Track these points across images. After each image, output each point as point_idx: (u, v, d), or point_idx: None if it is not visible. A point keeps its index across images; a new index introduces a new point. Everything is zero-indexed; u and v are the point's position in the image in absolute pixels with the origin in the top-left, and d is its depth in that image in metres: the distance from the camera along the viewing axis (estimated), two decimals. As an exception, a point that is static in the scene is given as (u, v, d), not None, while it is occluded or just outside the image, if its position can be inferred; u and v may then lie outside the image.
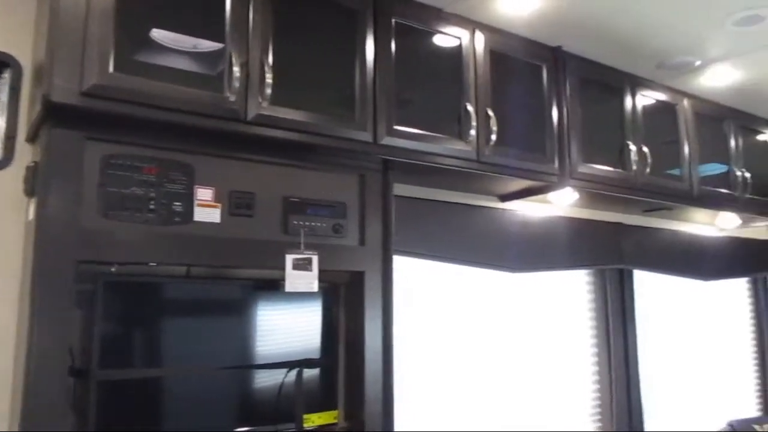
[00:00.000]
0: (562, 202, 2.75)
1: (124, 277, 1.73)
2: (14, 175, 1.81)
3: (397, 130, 2.07)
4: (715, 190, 3.11)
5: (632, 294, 3.16)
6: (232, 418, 1.88)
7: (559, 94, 2.53)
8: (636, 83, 2.84)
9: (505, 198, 2.69)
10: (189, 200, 1.75)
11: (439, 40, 2.25)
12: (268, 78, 1.80)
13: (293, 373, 1.99)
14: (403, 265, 2.42)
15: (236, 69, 1.76)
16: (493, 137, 2.25)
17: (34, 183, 1.68)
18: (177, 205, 1.73)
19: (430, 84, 2.22)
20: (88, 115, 1.59)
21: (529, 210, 2.79)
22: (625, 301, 3.10)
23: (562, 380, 2.89)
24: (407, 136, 2.08)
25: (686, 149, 2.99)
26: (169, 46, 1.72)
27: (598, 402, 3.01)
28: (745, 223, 3.51)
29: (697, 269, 3.50)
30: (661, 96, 2.94)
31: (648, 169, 2.76)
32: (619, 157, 2.70)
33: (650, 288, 3.35)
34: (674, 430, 3.32)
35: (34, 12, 1.89)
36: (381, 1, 2.10)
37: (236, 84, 1.75)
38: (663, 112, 2.95)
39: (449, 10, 2.26)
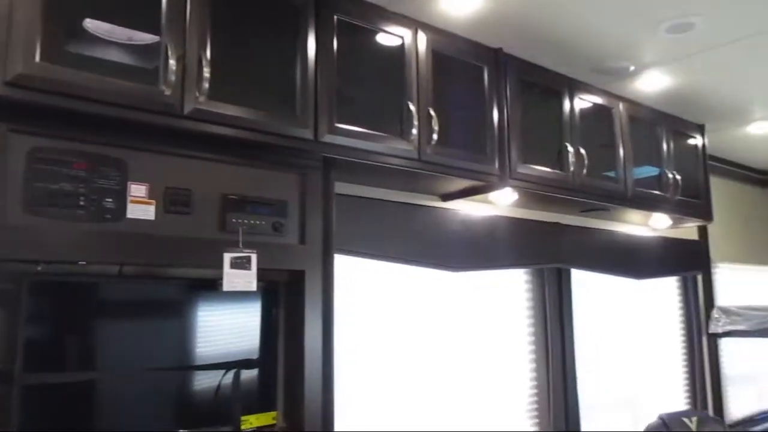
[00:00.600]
0: (502, 202, 2.79)
1: (51, 276, 1.66)
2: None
3: (338, 128, 2.05)
4: (648, 192, 3.22)
5: (570, 293, 3.23)
6: (169, 421, 1.82)
7: (500, 96, 2.56)
8: (574, 86, 2.91)
9: (446, 197, 2.71)
10: (121, 197, 1.69)
11: (381, 38, 2.25)
12: (206, 72, 1.76)
13: (232, 374, 1.95)
14: (345, 264, 2.41)
15: (172, 62, 1.71)
16: (435, 137, 2.27)
17: (-47, 177, 1.59)
18: (108, 202, 1.66)
19: (373, 82, 2.22)
20: (11, 106, 1.51)
21: (471, 209, 2.82)
22: (562, 300, 3.17)
23: (500, 379, 2.93)
24: (349, 134, 2.07)
25: (621, 152, 3.08)
26: (104, 37, 1.66)
27: (536, 400, 3.07)
28: (676, 223, 3.65)
29: (631, 268, 3.62)
30: (598, 100, 3.02)
31: (585, 171, 2.83)
32: (558, 159, 2.76)
33: (586, 286, 3.43)
34: (609, 431, 3.42)
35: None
36: (323, -3, 2.09)
37: (172, 77, 1.70)
38: (600, 115, 3.03)
39: (392, 8, 2.26)
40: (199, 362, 1.91)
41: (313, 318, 2.04)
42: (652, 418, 3.57)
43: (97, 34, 1.65)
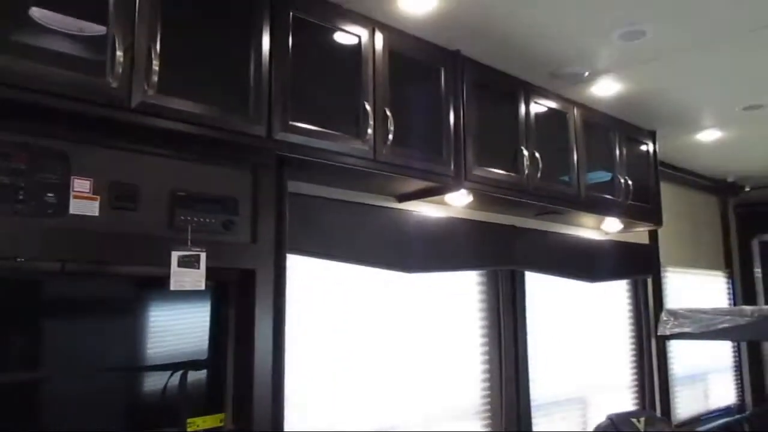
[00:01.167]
0: (457, 204, 2.80)
1: (-12, 273, 1.60)
2: None
3: (292, 125, 2.03)
4: (601, 196, 3.28)
5: (523, 295, 3.26)
6: (113, 423, 1.77)
7: (457, 98, 2.57)
8: (530, 90, 2.94)
9: (402, 198, 2.71)
10: (64, 191, 1.63)
11: (338, 37, 2.23)
12: (155, 65, 1.72)
13: (179, 375, 1.90)
14: (298, 264, 2.38)
15: (120, 54, 1.66)
16: (390, 137, 2.26)
17: None
18: (50, 197, 1.61)
19: (328, 81, 2.20)
20: (-54, 94, 1.45)
21: (426, 211, 2.82)
22: (516, 302, 3.20)
23: (452, 379, 2.94)
24: (303, 132, 2.05)
25: (575, 156, 3.13)
26: (50, 26, 1.60)
27: (488, 400, 3.09)
28: (627, 227, 3.73)
29: (584, 271, 3.67)
30: (554, 104, 3.06)
31: (539, 174, 2.86)
32: (513, 162, 2.78)
33: (539, 287, 3.47)
34: (560, 431, 3.47)
35: None
36: (279, -8, 2.06)
37: (119, 69, 1.65)
38: (555, 119, 3.07)
39: (349, 7, 2.24)
40: (146, 363, 1.86)
41: (263, 318, 2.01)
42: (601, 418, 3.64)
43: (44, 24, 1.60)
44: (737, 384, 5.19)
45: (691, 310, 3.96)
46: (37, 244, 1.58)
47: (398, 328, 2.75)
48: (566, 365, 3.59)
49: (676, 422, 4.28)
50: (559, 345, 3.56)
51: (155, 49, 1.73)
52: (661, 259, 4.42)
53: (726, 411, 4.89)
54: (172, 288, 1.78)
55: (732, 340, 4.96)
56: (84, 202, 1.66)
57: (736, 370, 5.21)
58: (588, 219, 3.51)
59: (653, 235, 4.38)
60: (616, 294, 4.09)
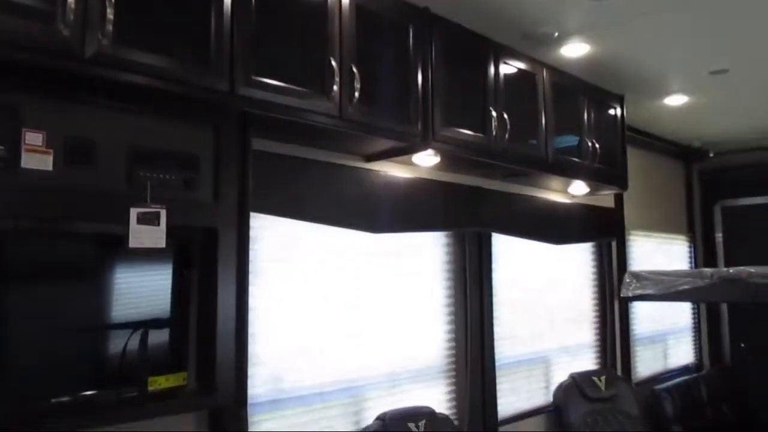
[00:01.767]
0: (425, 164, 2.78)
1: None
2: None
3: (256, 80, 1.97)
4: (568, 159, 3.29)
5: (490, 256, 3.28)
6: (73, 382, 1.74)
7: (425, 56, 2.53)
8: (500, 51, 2.90)
9: (370, 158, 2.68)
10: (14, 145, 1.57)
11: (303, -11, 2.16)
12: (110, 13, 1.64)
13: (140, 334, 1.88)
14: (267, 224, 2.35)
15: (71, 0, 1.58)
16: (357, 95, 2.21)
17: None
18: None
19: (293, 35, 2.12)
20: None
21: (394, 171, 2.80)
22: (482, 263, 3.21)
23: (418, 339, 2.97)
24: (267, 87, 1.99)
25: (543, 119, 3.12)
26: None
27: (453, 360, 3.13)
28: (593, 191, 3.76)
29: (550, 234, 3.71)
30: (523, 65, 3.03)
31: (507, 136, 2.85)
32: (481, 123, 2.76)
33: (506, 248, 3.50)
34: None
35: None
36: (241, -58, 1.98)
37: (71, 17, 1.57)
38: (524, 81, 3.05)
39: (315, -41, 2.18)
40: (106, 322, 1.82)
41: (226, 278, 1.99)
42: (564, 377, 3.73)
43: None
44: (695, 344, 5.35)
45: (653, 273, 4.05)
46: (-13, 200, 1.52)
47: (365, 288, 2.75)
48: (531, 325, 3.65)
49: (635, 380, 4.40)
50: (523, 305, 3.61)
51: (110, -4, 1.65)
52: (626, 223, 4.49)
53: (684, 370, 5.05)
54: (131, 245, 1.74)
55: (692, 301, 5.10)
56: (36, 156, 1.60)
57: (694, 332, 5.37)
58: (555, 182, 3.53)
59: (618, 199, 4.43)
60: (580, 257, 4.14)
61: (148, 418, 1.91)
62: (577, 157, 3.34)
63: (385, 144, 2.49)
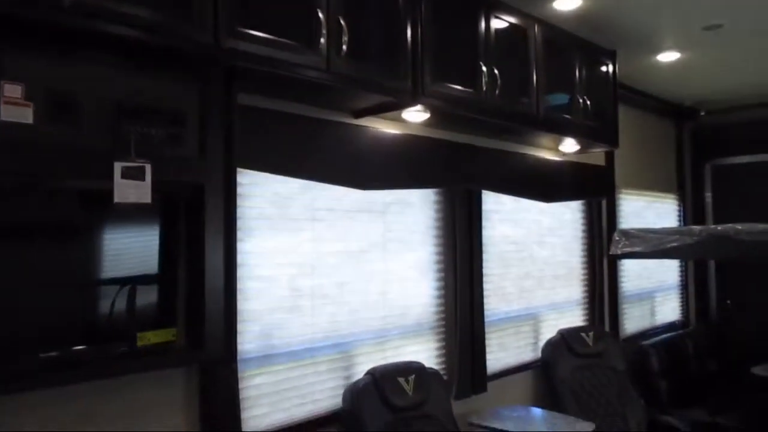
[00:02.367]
0: (414, 121, 2.75)
1: None
2: None
3: (241, 32, 1.92)
4: (559, 116, 3.26)
5: (480, 214, 3.28)
6: (63, 338, 1.73)
7: (415, 9, 2.47)
8: (491, 5, 2.85)
9: (358, 114, 2.64)
10: (-7, 97, 1.53)
11: (289, -63, 2.10)
12: (88, -40, 1.59)
13: (128, 290, 1.87)
14: (253, 180, 2.33)
15: (47, -55, 1.53)
16: (345, 48, 2.17)
17: None
18: (-23, 102, 1.51)
19: (279, -15, 2.08)
20: None
21: (383, 128, 2.77)
22: (472, 220, 3.21)
23: (408, 296, 2.98)
24: (252, 39, 1.94)
25: (534, 74, 3.08)
26: None
27: (443, 317, 3.15)
28: (584, 148, 3.74)
29: (541, 191, 3.70)
30: (515, 20, 2.98)
31: (498, 92, 2.82)
32: (471, 78, 2.73)
33: (493, 205, 3.50)
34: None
35: None
36: None
37: (47, -37, 1.52)
38: (515, 36, 3.00)
39: None
40: (93, 278, 1.82)
41: (214, 234, 1.98)
42: (552, 333, 3.77)
43: None
44: (682, 302, 5.42)
45: (642, 230, 4.05)
46: (-35, 154, 1.50)
47: (354, 245, 2.74)
48: (520, 282, 3.67)
49: (623, 337, 4.47)
50: (513, 263, 3.63)
51: (87, -58, 1.60)
52: (616, 182, 4.49)
53: (670, 326, 5.12)
54: (116, 200, 1.72)
55: (680, 258, 5.14)
56: (15, 108, 1.56)
57: (681, 289, 5.43)
58: (546, 139, 3.51)
59: (609, 157, 4.42)
60: (570, 214, 4.15)
61: (138, 372, 1.93)
62: (568, 114, 3.32)
63: (373, 99, 2.45)
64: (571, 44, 3.37)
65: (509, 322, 3.57)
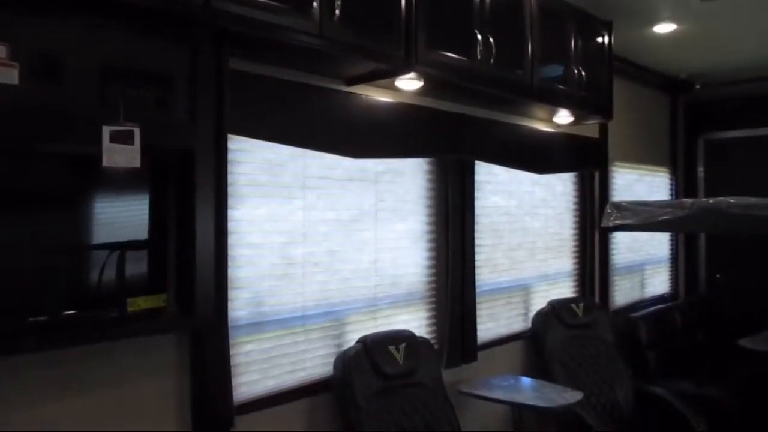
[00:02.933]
0: (408, 89, 2.73)
1: None
2: None
3: (231, -6, 1.89)
4: (554, 86, 3.24)
5: (473, 184, 3.27)
6: (53, 303, 1.72)
7: (409, -26, 2.43)
8: (487, -29, 2.80)
9: (351, 81, 2.61)
10: (-24, 56, 1.50)
11: None
12: None
13: (117, 255, 1.86)
14: (244, 146, 2.31)
15: None
16: (337, 12, 2.14)
17: None
18: (-39, 61, 1.48)
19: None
20: None
21: (376, 95, 2.74)
22: (465, 191, 3.20)
23: (400, 266, 2.99)
24: (244, 1, 1.90)
25: (530, 44, 3.05)
26: None
27: (434, 287, 3.16)
28: (578, 120, 3.73)
29: (534, 163, 3.69)
30: (510, -13, 2.94)
31: (492, 61, 2.79)
32: (466, 46, 2.69)
33: (486, 175, 3.50)
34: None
35: None
36: None
37: None
38: (511, 4, 2.95)
39: None
40: (83, 243, 1.80)
41: (204, 200, 1.97)
42: (542, 304, 3.80)
43: None
44: (672, 275, 5.46)
45: (633, 203, 4.07)
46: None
47: (346, 213, 2.74)
48: (511, 253, 3.68)
49: (612, 308, 4.50)
50: (505, 234, 3.63)
51: None
52: (609, 154, 4.48)
53: (659, 299, 5.16)
54: (104, 164, 1.70)
55: (672, 231, 5.17)
56: (1, 68, 1.53)
57: (672, 262, 5.46)
58: (540, 110, 3.49)
59: (603, 131, 4.41)
60: (563, 186, 4.15)
61: (128, 337, 1.93)
62: (562, 85, 3.29)
63: (366, 66, 2.42)
64: (567, 13, 3.33)
65: (500, 293, 3.59)
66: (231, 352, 2.20)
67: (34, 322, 1.66)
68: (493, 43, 2.78)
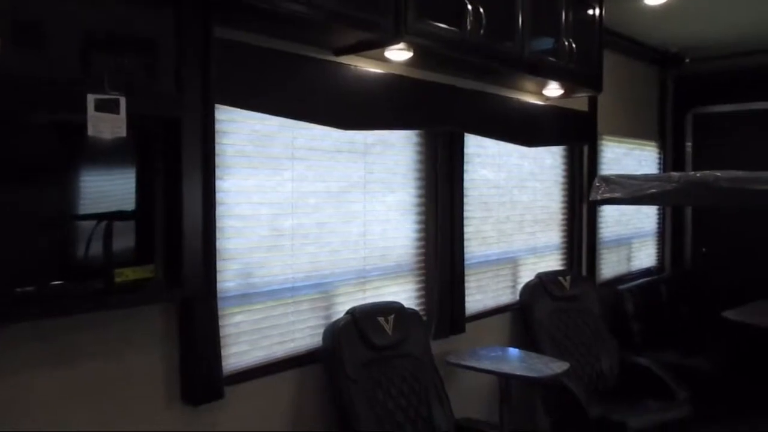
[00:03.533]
0: (397, 59, 2.70)
1: None
2: None
3: (217, -41, 1.85)
4: (544, 58, 3.22)
5: (462, 156, 3.26)
6: (39, 273, 1.71)
7: (399, -60, 2.40)
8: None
9: (339, 52, 2.58)
10: (-44, 24, 1.47)
11: None
12: None
13: (104, 226, 1.85)
14: (232, 116, 2.29)
15: None
16: (325, -21, 2.10)
17: None
18: (-60, 29, 1.45)
19: None
20: None
21: (365, 66, 2.72)
22: (454, 163, 3.19)
23: (389, 238, 2.99)
24: (229, -32, 1.88)
25: (520, 15, 3.02)
26: None
27: (423, 258, 3.17)
28: (567, 93, 3.71)
29: (523, 135, 3.69)
30: (501, -44, 2.90)
31: (483, 31, 2.76)
32: (456, 17, 2.66)
33: (475, 147, 3.49)
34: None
35: None
36: None
37: None
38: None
39: None
40: (69, 213, 1.79)
41: (192, 170, 1.96)
42: (531, 276, 3.82)
43: None
44: (658, 249, 5.51)
45: (622, 176, 4.07)
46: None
47: (335, 184, 2.73)
48: (500, 226, 3.70)
49: (599, 281, 4.54)
50: (494, 206, 3.64)
51: None
52: (598, 128, 4.48)
53: (645, 272, 5.22)
54: (90, 133, 1.68)
55: (659, 204, 5.21)
56: (-19, 36, 1.50)
57: (658, 236, 5.51)
58: (530, 83, 3.48)
59: (592, 104, 4.40)
60: (552, 159, 4.15)
61: (116, 308, 1.93)
62: (553, 57, 3.27)
63: (355, 36, 2.39)
64: (558, -15, 3.30)
65: (488, 265, 3.61)
66: (220, 324, 2.21)
67: (21, 292, 1.65)
68: (483, 14, 2.75)
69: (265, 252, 2.46)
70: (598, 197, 4.10)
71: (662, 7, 4.01)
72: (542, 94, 3.74)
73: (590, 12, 3.60)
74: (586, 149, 4.37)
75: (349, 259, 2.79)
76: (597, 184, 4.13)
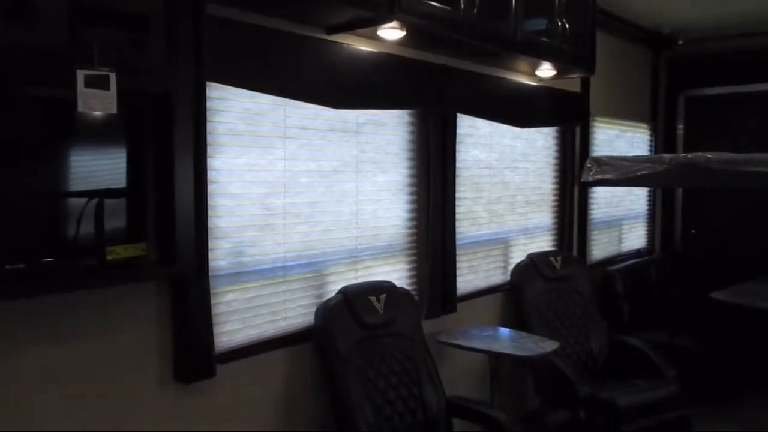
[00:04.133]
0: (390, 38, 2.69)
1: None
2: None
3: (208, -66, 1.83)
4: (537, 39, 3.21)
5: (454, 137, 3.25)
6: (30, 251, 1.69)
7: None
8: None
9: (332, 30, 2.57)
10: (-59, -5, 1.45)
11: None
12: None
13: (95, 203, 1.84)
14: (224, 94, 2.27)
15: None
16: (318, -44, 2.08)
17: None
18: (-74, 0, 1.42)
19: None
20: None
21: (358, 45, 2.70)
22: (446, 144, 3.19)
23: (381, 218, 2.99)
24: (220, -58, 1.85)
25: (514, -6, 3.01)
26: None
27: (414, 239, 3.17)
28: (560, 74, 3.70)
29: (515, 116, 3.68)
30: (495, -66, 2.88)
31: (476, 10, 2.74)
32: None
33: (467, 128, 3.49)
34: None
35: None
36: None
37: None
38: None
39: None
40: (59, 190, 1.77)
41: (183, 147, 1.94)
42: (522, 257, 3.84)
43: None
44: (648, 230, 5.55)
45: (613, 158, 4.09)
46: None
47: (327, 164, 2.72)
48: (491, 206, 3.71)
49: (590, 262, 4.57)
50: (486, 187, 3.65)
51: None
52: (591, 109, 4.48)
53: (636, 253, 5.25)
54: (80, 109, 1.66)
55: (650, 186, 5.24)
56: (-32, 9, 1.48)
57: (648, 218, 5.54)
58: (523, 63, 3.47)
59: (585, 85, 4.40)
60: (544, 140, 4.15)
61: (107, 286, 1.92)
62: (546, 38, 3.26)
63: (347, 13, 2.38)
64: (551, -36, 3.28)
65: (480, 246, 3.62)
66: (212, 302, 2.21)
67: (12, 269, 1.64)
68: (477, -8, 2.73)
69: (257, 231, 2.46)
70: (590, 178, 4.13)
71: (656, -13, 4.01)
72: (535, 75, 3.74)
73: (584, -8, 3.58)
74: (578, 130, 4.37)
75: (340, 239, 2.80)
76: (588, 165, 4.16)
